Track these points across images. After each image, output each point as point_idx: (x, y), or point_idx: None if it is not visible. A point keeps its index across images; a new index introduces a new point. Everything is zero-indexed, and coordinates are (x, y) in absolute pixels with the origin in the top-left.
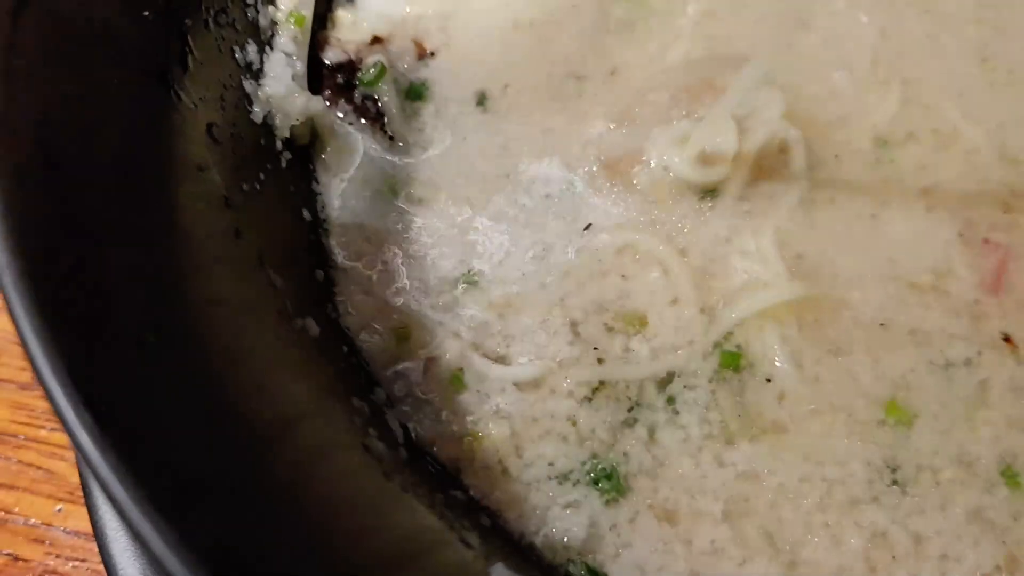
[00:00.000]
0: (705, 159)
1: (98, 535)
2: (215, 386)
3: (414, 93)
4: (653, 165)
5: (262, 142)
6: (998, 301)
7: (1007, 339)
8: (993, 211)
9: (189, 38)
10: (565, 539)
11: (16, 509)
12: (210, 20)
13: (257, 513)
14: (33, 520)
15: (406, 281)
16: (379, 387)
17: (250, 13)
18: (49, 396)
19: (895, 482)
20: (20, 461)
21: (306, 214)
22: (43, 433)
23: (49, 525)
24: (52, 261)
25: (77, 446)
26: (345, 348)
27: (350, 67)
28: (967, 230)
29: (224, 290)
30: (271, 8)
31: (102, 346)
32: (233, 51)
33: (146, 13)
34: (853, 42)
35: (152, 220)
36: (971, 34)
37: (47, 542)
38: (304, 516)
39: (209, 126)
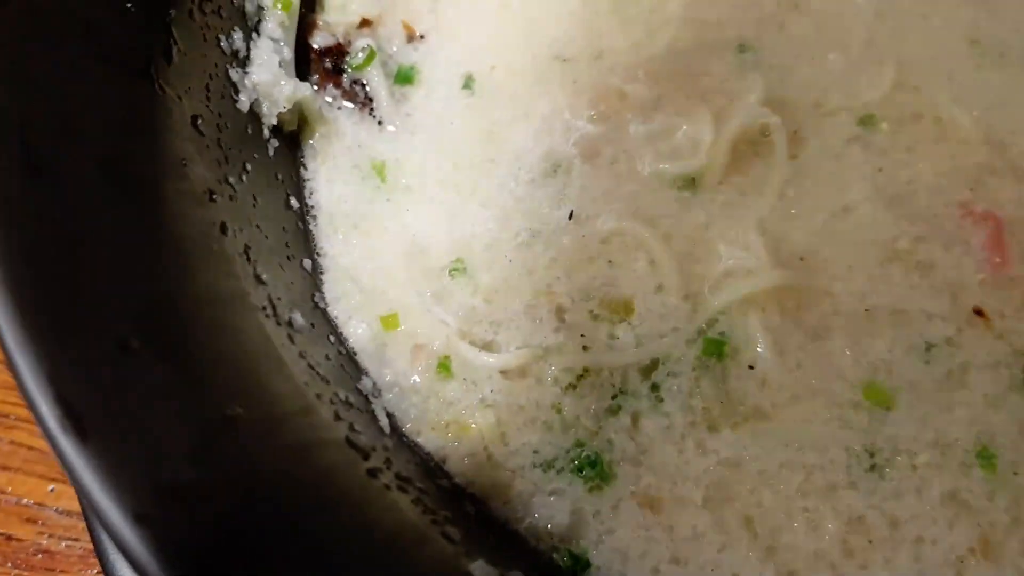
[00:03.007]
0: (683, 149)
1: (90, 526)
2: (200, 389)
3: (403, 77)
4: (633, 155)
5: (248, 131)
6: (985, 276)
7: (979, 312)
8: (981, 185)
9: (173, 29)
10: (549, 526)
11: (8, 489)
12: (195, 9)
13: (239, 519)
14: (26, 500)
15: (394, 268)
16: (367, 376)
17: (236, 0)
18: (30, 404)
19: (873, 467)
20: (12, 441)
21: (293, 202)
22: None
23: (42, 505)
24: (34, 266)
25: (59, 455)
26: (332, 338)
27: (338, 51)
28: (956, 204)
29: (210, 288)
30: None
31: (84, 351)
32: (219, 39)
33: (129, 5)
34: (847, 23)
35: (136, 219)
36: (963, 15)
37: (40, 522)
38: (286, 520)
39: (194, 118)
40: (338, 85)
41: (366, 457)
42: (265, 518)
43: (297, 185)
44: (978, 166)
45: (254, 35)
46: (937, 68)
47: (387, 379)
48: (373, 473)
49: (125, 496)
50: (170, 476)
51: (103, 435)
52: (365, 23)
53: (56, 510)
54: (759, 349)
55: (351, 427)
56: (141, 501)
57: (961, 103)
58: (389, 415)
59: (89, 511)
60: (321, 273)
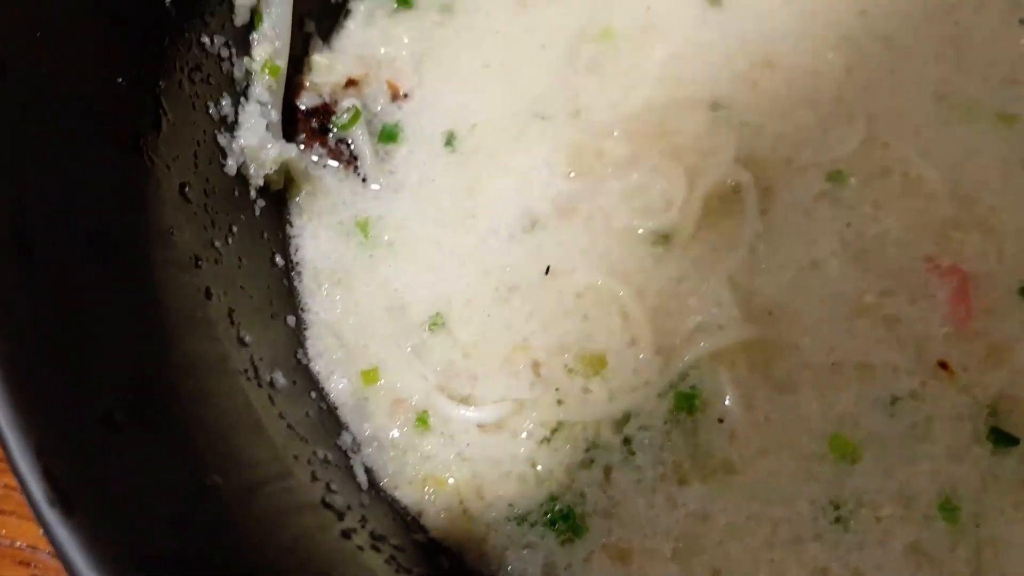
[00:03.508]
0: (657, 206)
1: None
2: (180, 460)
3: (387, 135)
4: (609, 212)
5: (236, 193)
6: (949, 329)
7: (944, 365)
8: (947, 240)
9: (163, 100)
10: None
11: (3, 532)
12: (184, 79)
13: None
14: (19, 543)
15: (375, 323)
16: (347, 431)
17: (224, 67)
18: (18, 479)
19: (838, 519)
20: (6, 485)
21: (279, 259)
22: None
23: (35, 548)
24: (22, 342)
25: (45, 528)
26: (314, 393)
27: (325, 111)
28: (922, 258)
29: (193, 355)
30: (246, 59)
31: (70, 426)
32: (207, 107)
33: (120, 80)
34: (818, 79)
35: (123, 292)
36: (932, 71)
37: (33, 564)
38: None
39: (182, 186)
40: (324, 144)
41: (341, 517)
42: None
43: (283, 242)
44: (945, 220)
45: (242, 99)
46: (906, 123)
47: (367, 434)
48: (347, 534)
49: (107, 570)
50: (151, 548)
51: (87, 509)
52: (351, 83)
53: (49, 553)
54: (728, 403)
55: (327, 487)
56: (122, 575)
57: (929, 158)
58: (367, 470)
59: None
60: (304, 329)
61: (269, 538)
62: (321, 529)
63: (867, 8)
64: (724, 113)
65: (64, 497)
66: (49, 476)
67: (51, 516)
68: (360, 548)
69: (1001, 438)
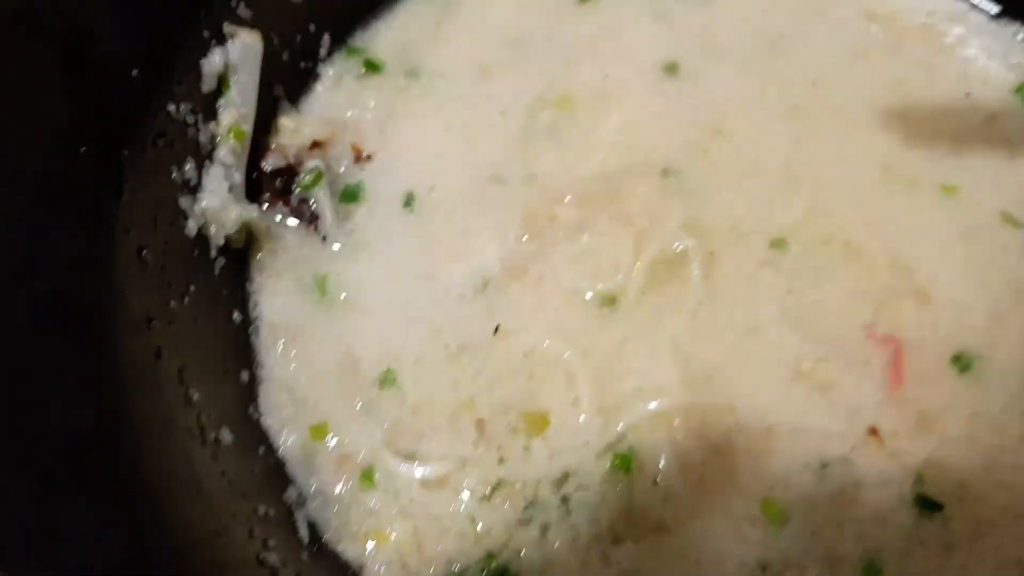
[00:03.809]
0: (605, 270)
1: None
2: (118, 521)
3: (349, 195)
4: (559, 274)
5: (195, 253)
6: (882, 397)
7: (874, 431)
8: (885, 308)
9: (125, 167)
10: None
11: None
12: (148, 146)
13: None
14: None
15: (327, 379)
16: (293, 485)
17: (190, 132)
18: None
19: None
20: None
21: (236, 316)
22: None
23: None
24: None
25: None
26: (262, 448)
27: (289, 172)
28: (859, 327)
29: (138, 416)
30: (212, 124)
31: (11, 487)
32: (171, 171)
33: (83, 149)
34: (766, 149)
35: (72, 354)
36: (878, 142)
37: None
38: None
39: (139, 249)
40: (287, 203)
41: (274, 573)
42: None
43: (242, 299)
44: (883, 289)
45: (207, 162)
46: (850, 194)
47: (312, 488)
48: None
49: None
50: None
51: (19, 566)
52: (316, 145)
53: None
54: (663, 465)
55: (264, 543)
56: None
57: (871, 228)
58: (311, 524)
59: None
60: (258, 385)
61: None
62: None
63: (820, 79)
64: (674, 180)
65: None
66: None
67: None
68: None
69: (926, 504)
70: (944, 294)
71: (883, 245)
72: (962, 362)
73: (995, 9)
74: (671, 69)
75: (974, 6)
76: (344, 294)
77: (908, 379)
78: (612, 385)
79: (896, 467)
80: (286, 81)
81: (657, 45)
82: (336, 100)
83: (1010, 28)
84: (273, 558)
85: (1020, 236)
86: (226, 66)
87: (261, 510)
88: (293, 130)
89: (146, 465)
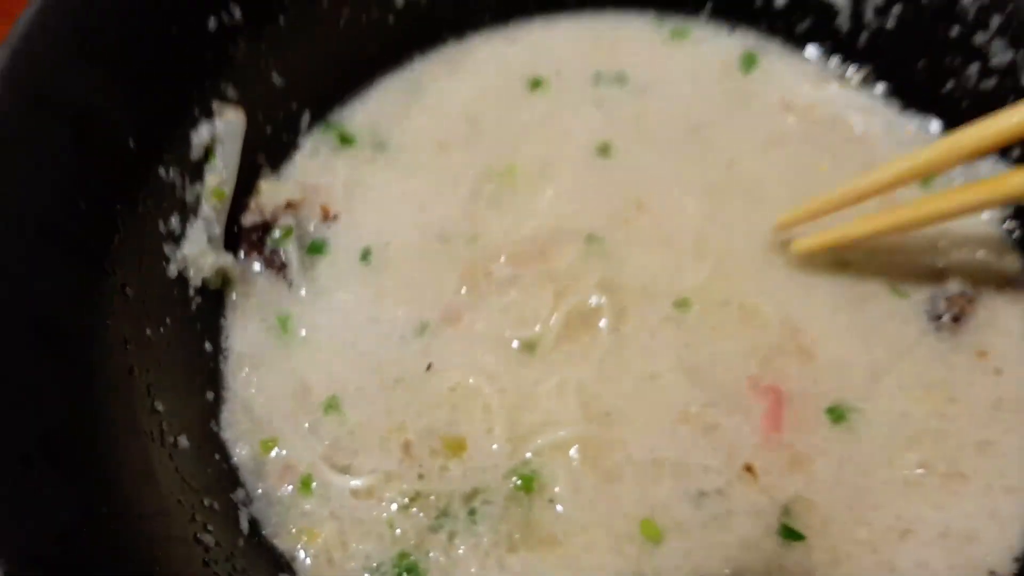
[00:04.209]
0: (528, 319)
1: None
2: (77, 492)
3: (314, 248)
4: (489, 322)
5: (175, 292)
6: (767, 438)
7: (749, 468)
8: (770, 363)
9: (118, 220)
10: None
11: None
12: (139, 202)
13: None
14: None
15: (281, 402)
16: (242, 488)
17: (177, 192)
18: None
19: None
20: None
21: (208, 346)
22: None
23: None
24: None
25: None
26: (218, 455)
27: (265, 227)
28: (745, 378)
29: (107, 417)
30: (197, 185)
31: None
32: (157, 224)
33: (81, 204)
34: (680, 222)
35: (55, 366)
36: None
37: None
38: None
39: (123, 285)
40: (261, 253)
41: (207, 550)
42: None
43: (215, 331)
44: (771, 347)
45: (191, 216)
46: (751, 263)
47: (259, 492)
48: (208, 563)
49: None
50: (37, 552)
51: None
52: (290, 205)
53: None
54: (559, 488)
55: (204, 527)
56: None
57: (766, 294)
58: (252, 520)
59: None
60: (221, 404)
61: (138, 555)
62: (188, 557)
63: (735, 161)
64: (596, 245)
65: None
66: None
67: None
68: (217, 574)
69: (789, 534)
70: (827, 352)
71: (775, 308)
72: (836, 413)
73: (899, 104)
74: (604, 150)
75: (881, 101)
76: (303, 331)
77: (786, 426)
78: (523, 418)
79: (766, 501)
80: (268, 150)
81: (594, 129)
82: (311, 167)
83: (913, 121)
84: (209, 539)
85: (904, 304)
86: (212, 138)
87: (207, 502)
88: (271, 192)
89: (107, 453)
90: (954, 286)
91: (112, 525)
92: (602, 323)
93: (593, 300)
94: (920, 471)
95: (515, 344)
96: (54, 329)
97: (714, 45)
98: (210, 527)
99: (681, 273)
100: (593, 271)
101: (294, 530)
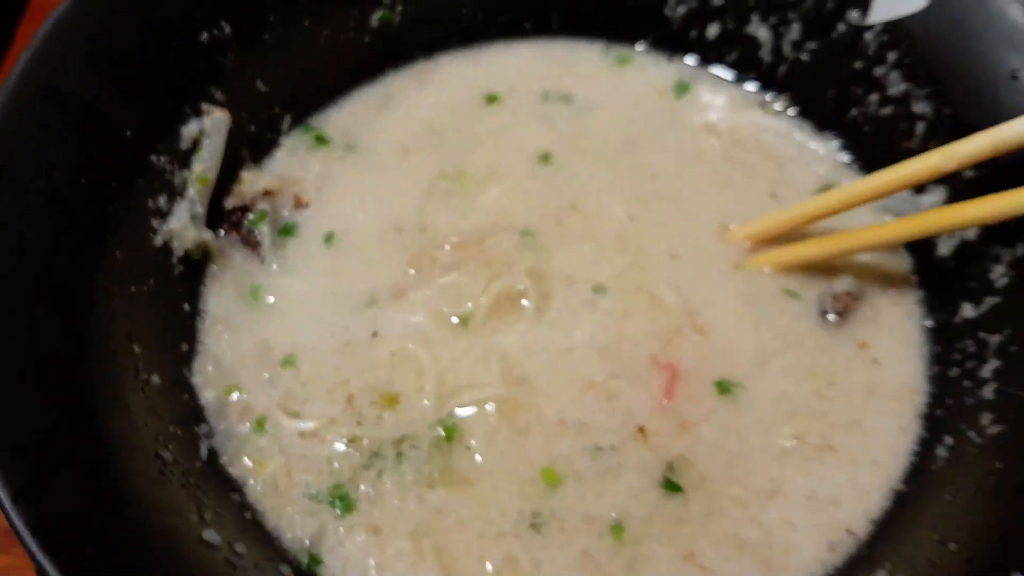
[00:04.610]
0: (463, 298)
1: None
2: (50, 406)
3: (285, 230)
4: (429, 298)
5: (159, 259)
6: (661, 406)
7: (641, 430)
8: (671, 343)
9: (113, 196)
10: (301, 534)
11: None
12: (132, 182)
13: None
14: None
15: (246, 357)
16: (205, 423)
17: (167, 175)
18: None
19: (532, 525)
20: None
21: (186, 307)
22: None
23: None
24: None
25: None
26: (187, 396)
27: (243, 210)
28: (648, 355)
29: (86, 348)
30: (185, 171)
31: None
32: (147, 202)
33: (83, 180)
34: (605, 222)
35: (49, 304)
36: (694, 226)
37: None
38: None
39: (113, 249)
40: (239, 232)
41: (165, 464)
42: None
43: (194, 296)
44: (672, 328)
45: (177, 197)
46: (664, 259)
47: (220, 428)
48: (164, 473)
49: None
50: (19, 442)
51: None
52: (267, 193)
53: None
54: (475, 440)
55: (165, 446)
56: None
57: (673, 285)
58: (212, 451)
59: None
60: (194, 355)
61: (100, 452)
62: (146, 464)
63: (658, 174)
64: (529, 239)
65: None
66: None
67: None
68: (171, 482)
69: (670, 486)
70: (721, 336)
71: (679, 297)
72: (723, 387)
73: (811, 127)
74: (545, 159)
75: (796, 124)
76: (271, 299)
77: (678, 396)
78: (450, 379)
79: (653, 457)
80: (251, 146)
81: (538, 141)
82: (290, 163)
83: (822, 143)
84: (168, 455)
85: (796, 304)
86: (200, 132)
87: (172, 429)
88: (251, 181)
89: (84, 377)
90: (842, 284)
91: (76, 431)
92: (525, 303)
93: (520, 284)
94: (794, 442)
95: (454, 320)
96: (54, 278)
97: (653, 72)
98: (171, 447)
99: (601, 264)
100: (524, 260)
101: (247, 461)
